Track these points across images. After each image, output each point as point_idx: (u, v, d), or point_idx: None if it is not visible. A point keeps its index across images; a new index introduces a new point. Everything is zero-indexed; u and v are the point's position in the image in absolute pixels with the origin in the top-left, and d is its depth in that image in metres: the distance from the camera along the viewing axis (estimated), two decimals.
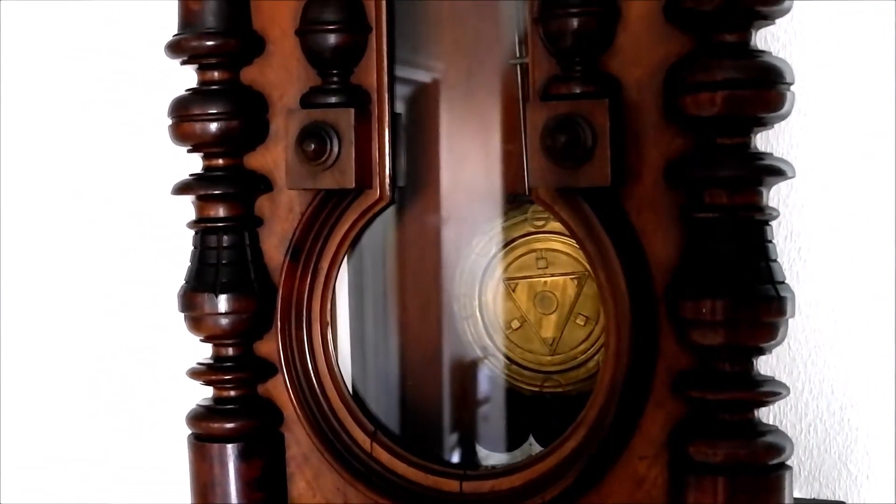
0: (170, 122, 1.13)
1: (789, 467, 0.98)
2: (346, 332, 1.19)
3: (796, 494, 1.04)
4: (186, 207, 1.15)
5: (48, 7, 1.48)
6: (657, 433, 1.02)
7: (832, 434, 1.18)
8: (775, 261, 0.98)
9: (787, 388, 0.99)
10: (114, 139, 1.45)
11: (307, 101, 1.10)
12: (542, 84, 1.03)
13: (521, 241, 1.15)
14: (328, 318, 1.14)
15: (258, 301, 1.13)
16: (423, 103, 1.16)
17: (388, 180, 1.10)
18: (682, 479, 1.00)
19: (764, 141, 1.00)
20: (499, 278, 1.15)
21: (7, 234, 1.52)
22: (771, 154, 0.98)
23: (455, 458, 1.19)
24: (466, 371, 1.20)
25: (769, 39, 1.12)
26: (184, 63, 1.13)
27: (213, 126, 1.11)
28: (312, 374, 1.14)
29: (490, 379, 1.18)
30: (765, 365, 1.01)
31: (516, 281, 1.14)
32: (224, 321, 1.12)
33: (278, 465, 1.15)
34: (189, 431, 1.16)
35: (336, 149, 1.07)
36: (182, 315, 1.14)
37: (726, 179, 0.97)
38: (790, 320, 0.98)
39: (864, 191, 1.15)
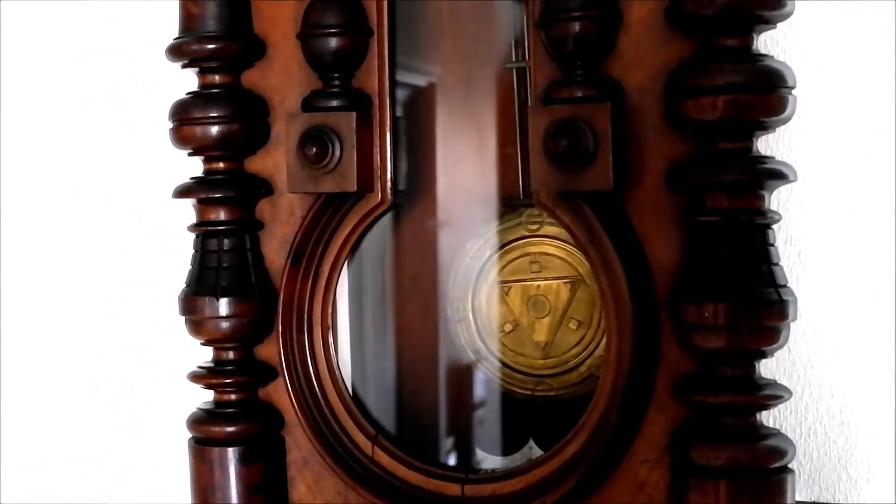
0: (170, 125, 1.13)
1: (791, 471, 0.99)
2: (345, 336, 1.19)
3: (796, 498, 1.04)
4: (187, 211, 1.15)
5: (48, 8, 1.48)
6: (659, 437, 1.02)
7: (832, 437, 1.18)
8: (777, 264, 0.98)
9: (789, 392, 0.99)
10: (115, 142, 1.45)
11: (308, 104, 1.10)
12: (543, 88, 1.03)
13: (514, 245, 1.15)
14: (329, 322, 1.14)
15: (259, 305, 1.13)
16: (420, 107, 1.16)
17: (389, 184, 1.10)
18: (683, 483, 1.00)
19: (763, 145, 1.00)
20: (492, 282, 1.15)
21: (7, 235, 1.52)
22: (773, 158, 0.98)
23: (451, 461, 1.19)
24: (460, 374, 1.20)
25: (769, 43, 1.12)
26: (184, 66, 1.13)
27: (214, 130, 1.11)
28: (313, 378, 1.14)
29: (482, 382, 1.18)
30: (764, 368, 1.01)
31: (510, 284, 1.15)
32: (225, 325, 1.12)
33: (279, 468, 1.15)
34: (189, 435, 1.16)
35: (337, 152, 1.07)
36: (183, 318, 1.14)
37: (728, 183, 0.97)
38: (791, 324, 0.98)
39: (863, 194, 1.16)
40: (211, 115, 1.11)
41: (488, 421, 1.20)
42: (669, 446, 1.02)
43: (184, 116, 1.12)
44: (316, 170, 1.08)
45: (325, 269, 1.13)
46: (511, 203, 1.15)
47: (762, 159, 0.98)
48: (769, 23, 0.97)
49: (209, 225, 1.13)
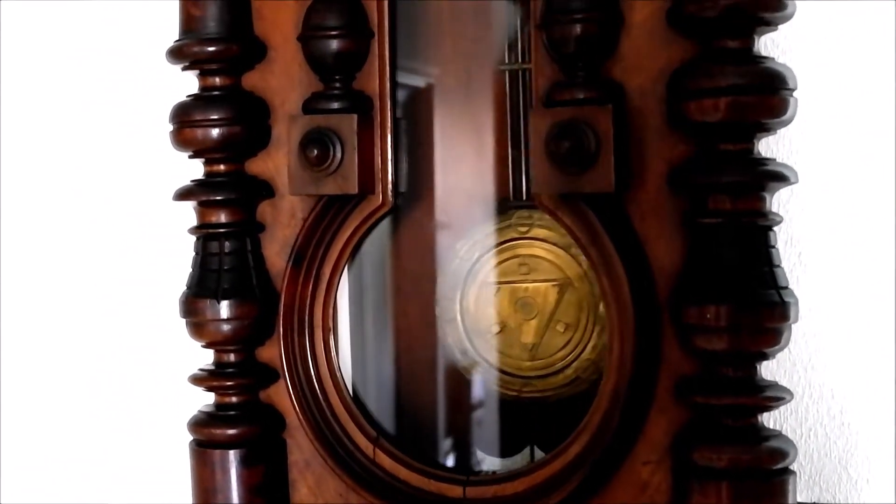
0: (171, 127, 1.13)
1: (793, 472, 0.99)
2: (345, 338, 1.19)
3: (797, 498, 1.04)
4: (188, 213, 1.15)
5: (48, 10, 1.48)
6: (661, 438, 1.02)
7: (832, 438, 1.18)
8: (779, 266, 0.98)
9: (791, 394, 0.99)
10: (115, 144, 1.45)
11: (309, 106, 1.10)
12: (544, 90, 1.03)
13: (504, 247, 1.15)
14: (330, 324, 1.14)
15: (260, 307, 1.13)
16: (416, 108, 1.15)
17: (390, 186, 1.10)
18: (685, 485, 1.00)
19: (763, 146, 1.00)
20: (481, 283, 1.15)
21: (8, 237, 1.52)
22: (774, 160, 0.99)
23: (449, 462, 1.19)
24: (453, 375, 1.19)
25: (769, 45, 1.12)
26: (185, 69, 1.13)
27: (215, 132, 1.11)
28: (315, 380, 1.14)
29: (469, 382, 1.18)
30: (765, 369, 1.01)
31: (498, 286, 1.15)
32: (226, 327, 1.12)
33: (280, 470, 1.15)
34: (191, 437, 1.16)
35: (339, 155, 1.07)
36: (184, 321, 1.14)
37: (729, 185, 0.97)
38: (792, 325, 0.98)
39: (863, 196, 1.16)
40: (212, 117, 1.11)
41: (480, 421, 1.20)
42: (671, 448, 1.02)
43: (184, 119, 1.12)
44: (317, 172, 1.08)
45: (327, 271, 1.13)
46: (503, 205, 1.15)
47: (763, 161, 0.98)
48: (770, 24, 0.97)
49: (210, 227, 1.13)
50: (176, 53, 1.12)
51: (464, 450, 1.19)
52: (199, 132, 1.11)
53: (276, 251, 1.14)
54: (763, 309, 0.96)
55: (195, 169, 1.15)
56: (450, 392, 1.20)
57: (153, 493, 1.43)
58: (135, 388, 1.45)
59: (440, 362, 1.19)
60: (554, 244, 1.12)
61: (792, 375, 1.18)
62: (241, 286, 1.12)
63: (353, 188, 1.07)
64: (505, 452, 1.18)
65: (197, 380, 1.15)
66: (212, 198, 1.12)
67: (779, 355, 1.01)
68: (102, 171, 1.46)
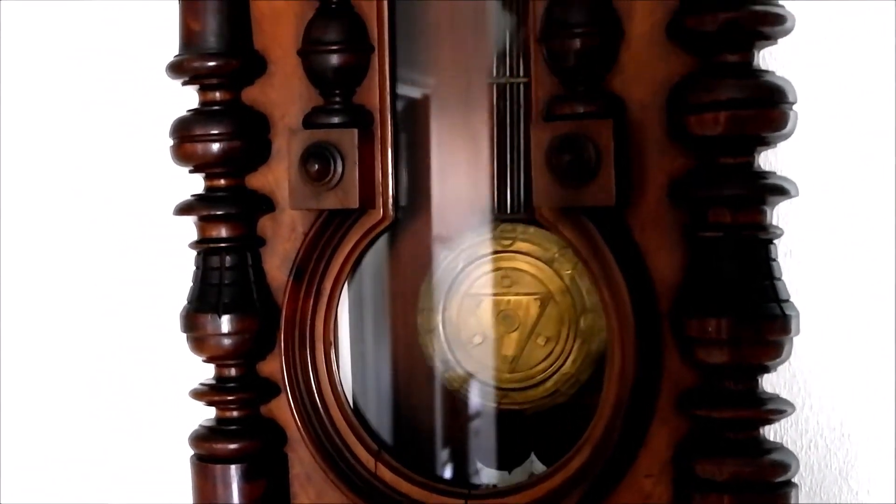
0: (171, 142, 1.13)
1: (795, 485, 0.99)
2: (344, 351, 1.19)
3: None
4: (189, 228, 1.15)
5: (50, 25, 1.48)
6: (662, 451, 1.02)
7: (833, 450, 1.18)
8: (779, 279, 0.98)
9: (792, 406, 0.99)
10: (116, 159, 1.45)
11: (310, 121, 1.10)
12: (544, 103, 1.03)
13: (487, 259, 1.15)
14: (331, 338, 1.14)
15: (261, 321, 1.13)
16: (407, 119, 1.15)
17: (390, 200, 1.10)
18: (687, 497, 1.00)
19: (763, 159, 1.01)
20: (463, 294, 1.15)
21: (10, 251, 1.52)
22: (774, 173, 0.99)
23: (447, 473, 1.19)
24: (432, 386, 1.19)
25: (767, 58, 1.13)
26: (185, 84, 1.13)
27: (215, 146, 1.11)
28: (316, 394, 1.14)
29: (450, 393, 1.18)
30: (765, 381, 1.01)
31: (480, 298, 1.15)
32: (227, 342, 1.12)
33: (282, 484, 1.15)
34: (192, 452, 1.16)
35: (339, 169, 1.07)
36: (185, 336, 1.14)
37: (730, 198, 0.97)
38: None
39: (862, 207, 1.16)
40: (212, 132, 1.11)
41: (467, 432, 1.20)
42: (673, 460, 1.02)
43: (185, 133, 1.12)
44: (318, 186, 1.08)
45: (328, 285, 1.13)
46: (488, 218, 1.15)
47: (763, 174, 0.98)
48: (770, 38, 0.98)
49: (211, 242, 1.13)
50: (176, 68, 1.12)
51: (457, 461, 1.19)
52: (200, 147, 1.11)
53: (277, 265, 1.14)
54: (764, 322, 0.96)
55: (196, 183, 1.15)
56: (435, 403, 1.20)
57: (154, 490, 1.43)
58: (136, 403, 1.45)
59: (428, 374, 1.19)
60: (537, 258, 1.13)
61: (792, 387, 1.18)
62: (242, 301, 1.12)
63: (354, 203, 1.07)
64: (500, 464, 1.18)
65: (198, 394, 1.15)
66: (212, 212, 1.12)
67: (779, 367, 1.02)
68: (104, 186, 1.45)
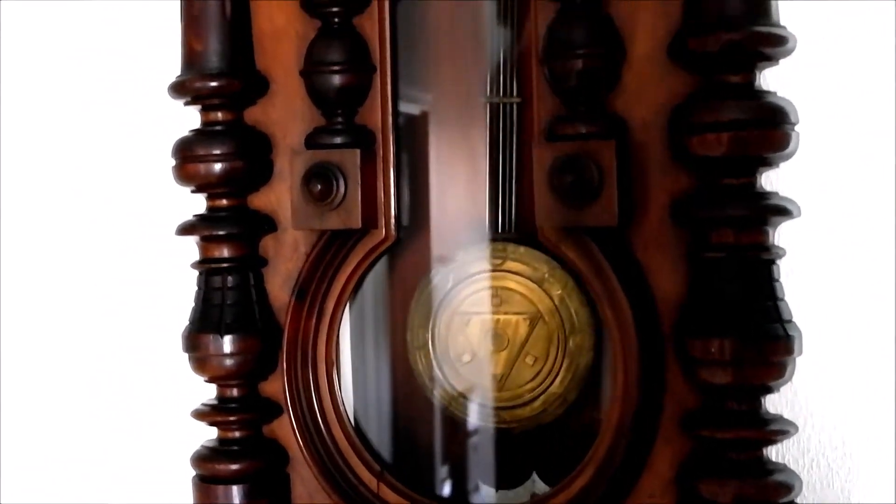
0: (173, 162, 1.13)
1: None
2: (346, 370, 1.19)
3: None
4: (191, 248, 1.15)
5: (49, 45, 1.48)
6: (665, 470, 1.02)
7: (834, 469, 1.18)
8: (782, 299, 0.99)
9: (795, 427, 0.99)
10: (118, 179, 1.45)
11: (312, 141, 1.10)
12: (546, 123, 1.04)
13: (477, 277, 1.15)
14: (333, 358, 1.14)
15: (263, 341, 1.13)
16: (407, 138, 1.15)
17: (393, 220, 1.10)
18: None
19: (763, 179, 1.01)
20: (453, 312, 1.15)
21: (12, 272, 1.52)
22: (776, 193, 0.99)
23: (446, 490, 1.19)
24: (417, 402, 1.19)
25: (768, 77, 1.13)
26: (187, 104, 1.13)
27: (217, 167, 1.11)
28: (318, 414, 1.14)
29: (438, 410, 1.18)
30: (767, 400, 1.01)
31: (470, 316, 1.15)
32: (229, 362, 1.12)
33: None
34: (194, 473, 1.15)
35: (342, 189, 1.07)
36: (186, 356, 1.14)
37: (733, 219, 0.97)
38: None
39: (863, 226, 1.16)
40: (214, 152, 1.11)
41: (455, 450, 1.19)
42: (676, 481, 1.02)
43: (187, 154, 1.12)
44: (320, 206, 1.08)
45: (330, 305, 1.13)
46: (479, 236, 1.14)
47: (766, 195, 0.98)
48: (772, 59, 0.98)
49: (213, 262, 1.13)
50: (178, 89, 1.12)
51: (456, 479, 1.19)
52: (202, 167, 1.11)
53: (279, 285, 1.14)
54: (768, 342, 0.96)
55: (198, 203, 1.15)
56: (433, 421, 1.19)
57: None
58: (139, 423, 1.45)
59: (426, 392, 1.19)
60: (527, 278, 1.13)
61: (794, 406, 1.18)
62: (244, 321, 1.12)
63: (357, 223, 1.07)
64: (500, 482, 1.18)
65: (200, 415, 1.15)
66: (214, 233, 1.12)
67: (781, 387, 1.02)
68: (106, 206, 1.46)
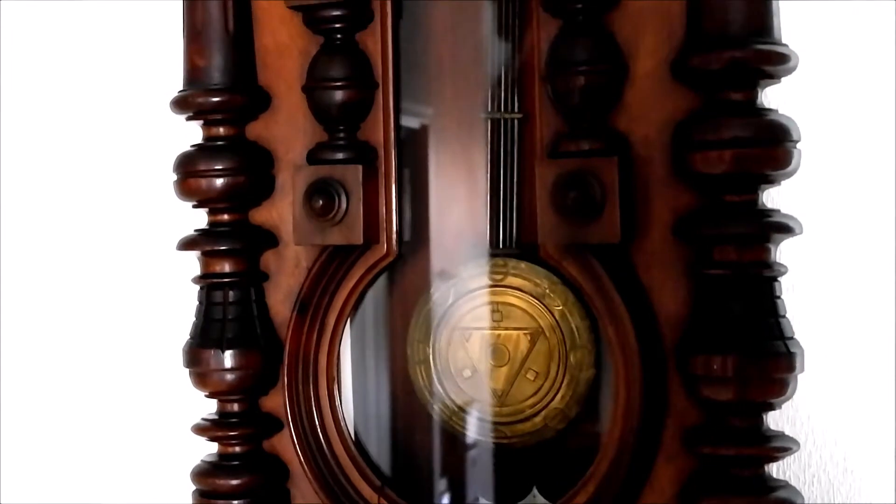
0: (175, 177, 1.13)
1: None
2: (346, 385, 1.19)
3: None
4: (192, 263, 1.15)
5: (49, 65, 1.49)
6: (667, 487, 1.02)
7: (836, 485, 1.18)
8: (784, 316, 0.99)
9: (797, 444, 0.99)
10: (119, 194, 1.45)
11: (314, 157, 1.10)
12: (549, 140, 1.04)
13: (478, 293, 1.15)
14: (335, 373, 1.14)
15: (264, 356, 1.13)
16: (408, 153, 1.15)
17: (394, 235, 1.10)
18: None
19: (765, 196, 1.01)
20: (454, 327, 1.15)
21: (13, 287, 1.52)
22: (778, 211, 0.99)
23: None
24: (417, 417, 1.19)
25: (769, 93, 1.13)
26: (189, 119, 1.13)
27: (219, 182, 1.11)
28: (319, 430, 1.13)
29: (439, 426, 1.18)
30: (768, 416, 1.01)
31: (471, 331, 1.15)
32: (230, 377, 1.12)
33: None
34: (194, 488, 1.15)
35: (344, 205, 1.07)
36: (187, 371, 1.14)
37: (735, 236, 0.97)
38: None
39: (864, 244, 1.17)
40: (216, 167, 1.11)
41: (454, 465, 1.19)
42: (678, 497, 1.02)
43: (188, 169, 1.12)
44: (322, 222, 1.08)
45: (331, 320, 1.13)
46: (480, 252, 1.14)
47: (768, 212, 0.98)
48: (774, 77, 0.98)
49: (214, 277, 1.13)
50: (180, 104, 1.12)
51: (456, 494, 1.19)
52: (204, 182, 1.11)
53: (281, 300, 1.14)
54: (770, 360, 0.96)
55: (199, 218, 1.15)
56: (433, 436, 1.19)
57: None
58: (139, 439, 1.45)
59: (426, 407, 1.19)
60: (528, 293, 1.13)
61: (795, 422, 1.18)
62: (245, 336, 1.12)
63: (359, 239, 1.07)
64: (500, 498, 1.17)
65: (200, 430, 1.14)
66: (216, 248, 1.12)
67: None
68: (108, 220, 1.46)
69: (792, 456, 1.17)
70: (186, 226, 1.15)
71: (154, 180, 1.32)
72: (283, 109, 1.13)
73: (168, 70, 1.17)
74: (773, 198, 1.11)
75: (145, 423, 1.44)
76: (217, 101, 1.11)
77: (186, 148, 1.13)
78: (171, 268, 1.32)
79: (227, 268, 1.13)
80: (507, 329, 1.13)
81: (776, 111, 0.98)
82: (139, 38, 1.42)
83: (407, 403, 1.19)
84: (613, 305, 1.02)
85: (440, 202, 1.15)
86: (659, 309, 1.02)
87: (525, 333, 1.13)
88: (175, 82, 1.14)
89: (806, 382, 1.16)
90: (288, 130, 1.13)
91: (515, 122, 1.11)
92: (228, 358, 1.11)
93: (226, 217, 1.13)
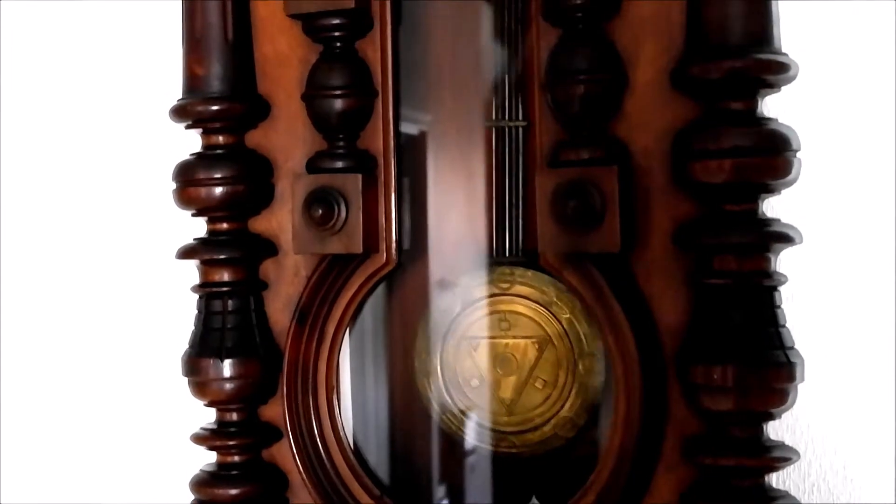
0: (174, 186, 1.13)
1: None
2: (345, 394, 1.18)
3: None
4: (191, 271, 1.15)
5: (50, 79, 1.49)
6: (668, 497, 1.02)
7: (836, 494, 1.18)
8: (784, 326, 0.98)
9: (798, 454, 0.99)
10: (118, 202, 1.45)
11: (313, 165, 1.10)
12: (549, 149, 1.03)
13: (485, 302, 1.14)
14: (334, 383, 1.13)
15: (263, 365, 1.12)
16: (409, 159, 1.15)
17: (394, 244, 1.10)
18: None
19: (765, 205, 1.01)
20: (461, 337, 1.15)
21: (13, 296, 1.52)
22: (778, 220, 0.99)
23: None
24: (418, 427, 1.18)
25: (769, 102, 1.13)
26: (188, 127, 1.13)
27: (218, 190, 1.11)
28: (318, 439, 1.13)
29: (447, 436, 1.17)
30: (768, 424, 1.01)
31: (478, 340, 1.14)
32: (229, 386, 1.12)
33: None
34: (193, 497, 1.15)
35: (343, 214, 1.07)
36: (186, 380, 1.14)
37: (735, 246, 0.97)
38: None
39: (864, 253, 1.17)
40: (215, 176, 1.11)
41: (461, 475, 1.19)
42: None
43: (188, 177, 1.12)
44: (322, 231, 1.07)
45: (330, 329, 1.12)
46: (486, 261, 1.14)
47: (768, 222, 0.98)
48: (774, 87, 0.98)
49: (213, 286, 1.13)
50: (179, 112, 1.12)
51: None
52: (203, 191, 1.11)
53: (280, 309, 1.14)
54: (770, 369, 0.96)
55: (198, 226, 1.15)
56: (434, 446, 1.19)
57: None
58: (138, 447, 1.44)
59: (428, 417, 1.18)
60: (535, 301, 1.12)
61: (795, 430, 1.18)
62: (245, 345, 1.12)
63: (358, 248, 1.07)
64: None
65: (199, 439, 1.14)
66: (215, 256, 1.12)
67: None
68: (107, 230, 1.46)
69: (791, 465, 1.17)
70: (186, 234, 1.15)
71: (153, 189, 1.32)
72: (282, 118, 1.13)
73: (167, 78, 1.17)
74: (773, 207, 1.10)
75: (145, 432, 1.44)
76: (216, 110, 1.11)
77: (186, 156, 1.13)
78: (170, 276, 1.31)
79: (226, 276, 1.12)
80: (514, 338, 1.13)
81: (776, 120, 0.98)
82: (138, 46, 1.42)
83: (406, 413, 1.19)
84: (613, 314, 1.02)
85: (440, 210, 1.15)
86: (659, 318, 1.02)
87: (533, 342, 1.13)
88: (174, 90, 1.14)
89: (806, 391, 1.16)
90: (287, 139, 1.13)
91: (519, 130, 1.11)
92: (227, 367, 1.11)
93: (225, 226, 1.13)
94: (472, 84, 1.15)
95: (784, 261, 1.14)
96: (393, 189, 1.09)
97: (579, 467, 1.10)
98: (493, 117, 1.12)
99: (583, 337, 1.11)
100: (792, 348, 0.98)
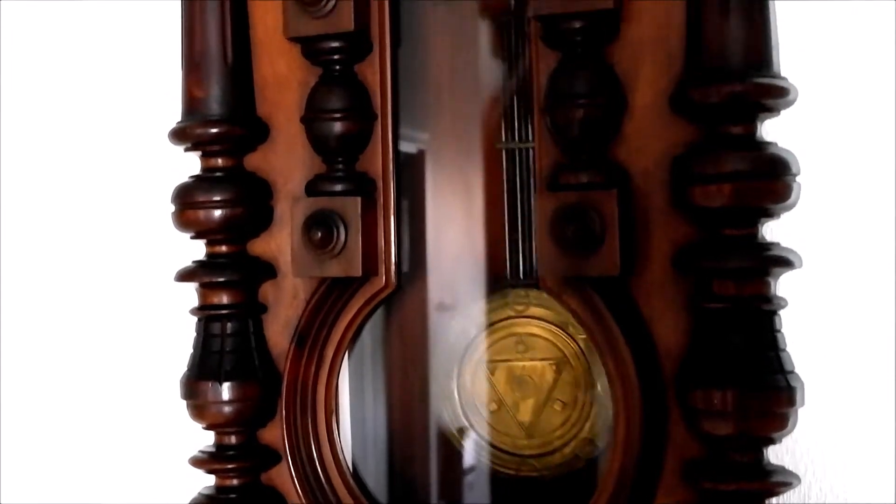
0: (173, 208, 1.13)
1: None
2: (344, 417, 1.18)
3: None
4: (190, 294, 1.14)
5: (51, 96, 1.49)
6: None
7: None
8: (784, 350, 0.98)
9: (798, 478, 0.99)
10: (117, 224, 1.45)
11: (312, 188, 1.10)
12: (549, 172, 1.03)
13: (501, 325, 1.14)
14: (333, 406, 1.13)
15: (262, 388, 1.12)
16: (412, 181, 1.15)
17: (393, 267, 1.10)
18: None
19: (764, 229, 1.01)
20: (478, 361, 1.15)
21: (12, 320, 1.52)
22: (778, 244, 0.99)
23: None
24: (444, 452, 1.18)
25: (768, 127, 1.14)
26: (187, 150, 1.13)
27: (217, 213, 1.11)
28: (317, 462, 1.13)
29: (467, 461, 1.17)
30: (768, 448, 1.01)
31: (495, 364, 1.14)
32: (227, 409, 1.11)
33: None
34: None
35: (342, 237, 1.07)
36: (185, 403, 1.13)
37: (734, 270, 0.97)
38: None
39: (864, 277, 1.17)
40: (214, 198, 1.11)
41: (473, 500, 1.19)
42: None
43: (187, 200, 1.12)
44: (321, 254, 1.07)
45: (329, 352, 1.12)
46: (500, 284, 1.14)
47: (768, 246, 0.98)
48: (773, 111, 0.98)
49: (212, 309, 1.12)
50: (179, 135, 1.12)
51: None
52: (202, 214, 1.11)
53: (279, 331, 1.13)
54: (770, 394, 0.96)
55: (197, 249, 1.15)
56: (448, 471, 1.19)
57: None
58: (136, 471, 1.44)
59: (437, 441, 1.18)
60: (551, 322, 1.12)
61: (794, 453, 1.18)
62: (243, 368, 1.12)
63: (357, 271, 1.07)
64: None
65: (197, 462, 1.14)
66: (214, 279, 1.12)
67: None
68: (105, 252, 1.46)
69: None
70: (185, 257, 1.14)
71: (152, 211, 1.32)
72: (281, 140, 1.13)
73: (166, 101, 1.17)
74: (772, 231, 1.10)
75: (144, 455, 1.44)
76: (215, 133, 1.10)
77: (185, 179, 1.13)
78: (169, 299, 1.31)
79: (225, 299, 1.12)
80: (531, 360, 1.13)
81: (775, 144, 0.98)
82: (137, 68, 1.42)
83: (407, 435, 1.19)
84: (613, 338, 1.02)
85: (454, 234, 1.15)
86: (659, 342, 1.02)
87: (550, 363, 1.12)
88: (173, 113, 1.14)
89: (806, 414, 1.16)
90: (286, 161, 1.13)
91: (530, 151, 1.11)
92: (226, 390, 1.11)
93: (224, 248, 1.13)
94: (471, 104, 1.15)
95: (784, 285, 1.14)
96: (392, 212, 1.09)
97: (593, 488, 1.09)
98: (503, 139, 1.12)
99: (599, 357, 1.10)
100: (792, 372, 0.98)
